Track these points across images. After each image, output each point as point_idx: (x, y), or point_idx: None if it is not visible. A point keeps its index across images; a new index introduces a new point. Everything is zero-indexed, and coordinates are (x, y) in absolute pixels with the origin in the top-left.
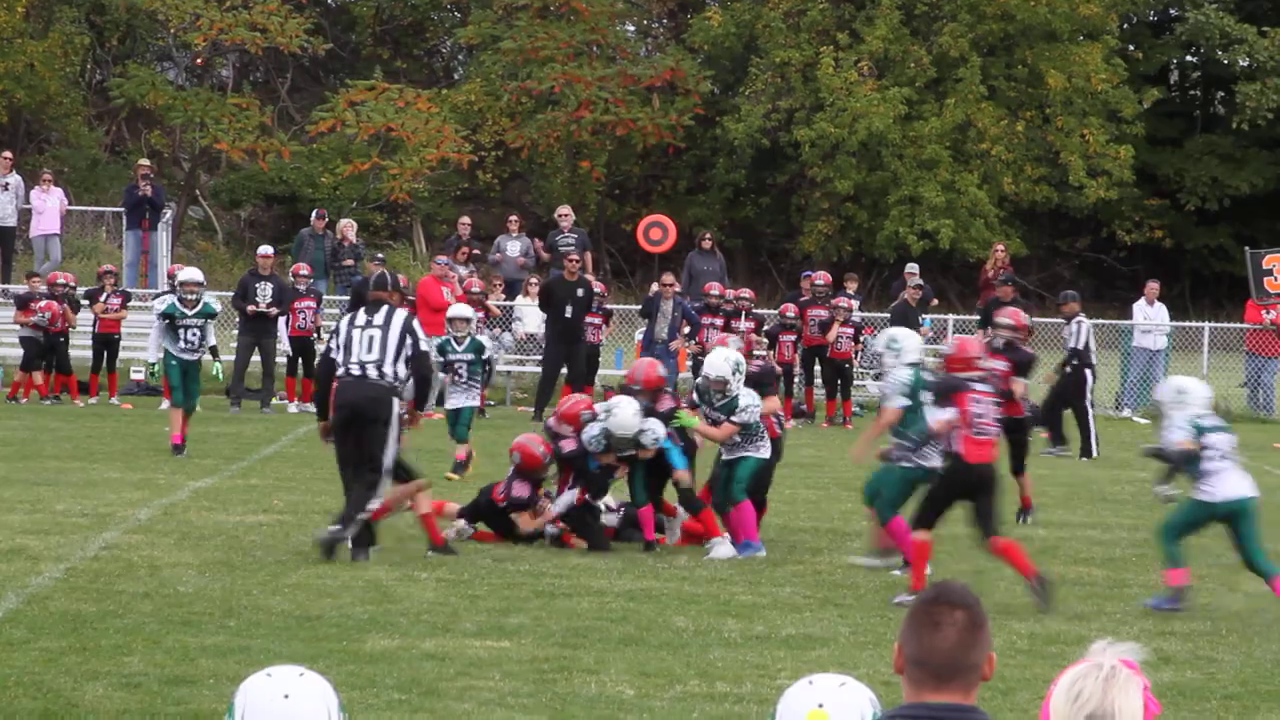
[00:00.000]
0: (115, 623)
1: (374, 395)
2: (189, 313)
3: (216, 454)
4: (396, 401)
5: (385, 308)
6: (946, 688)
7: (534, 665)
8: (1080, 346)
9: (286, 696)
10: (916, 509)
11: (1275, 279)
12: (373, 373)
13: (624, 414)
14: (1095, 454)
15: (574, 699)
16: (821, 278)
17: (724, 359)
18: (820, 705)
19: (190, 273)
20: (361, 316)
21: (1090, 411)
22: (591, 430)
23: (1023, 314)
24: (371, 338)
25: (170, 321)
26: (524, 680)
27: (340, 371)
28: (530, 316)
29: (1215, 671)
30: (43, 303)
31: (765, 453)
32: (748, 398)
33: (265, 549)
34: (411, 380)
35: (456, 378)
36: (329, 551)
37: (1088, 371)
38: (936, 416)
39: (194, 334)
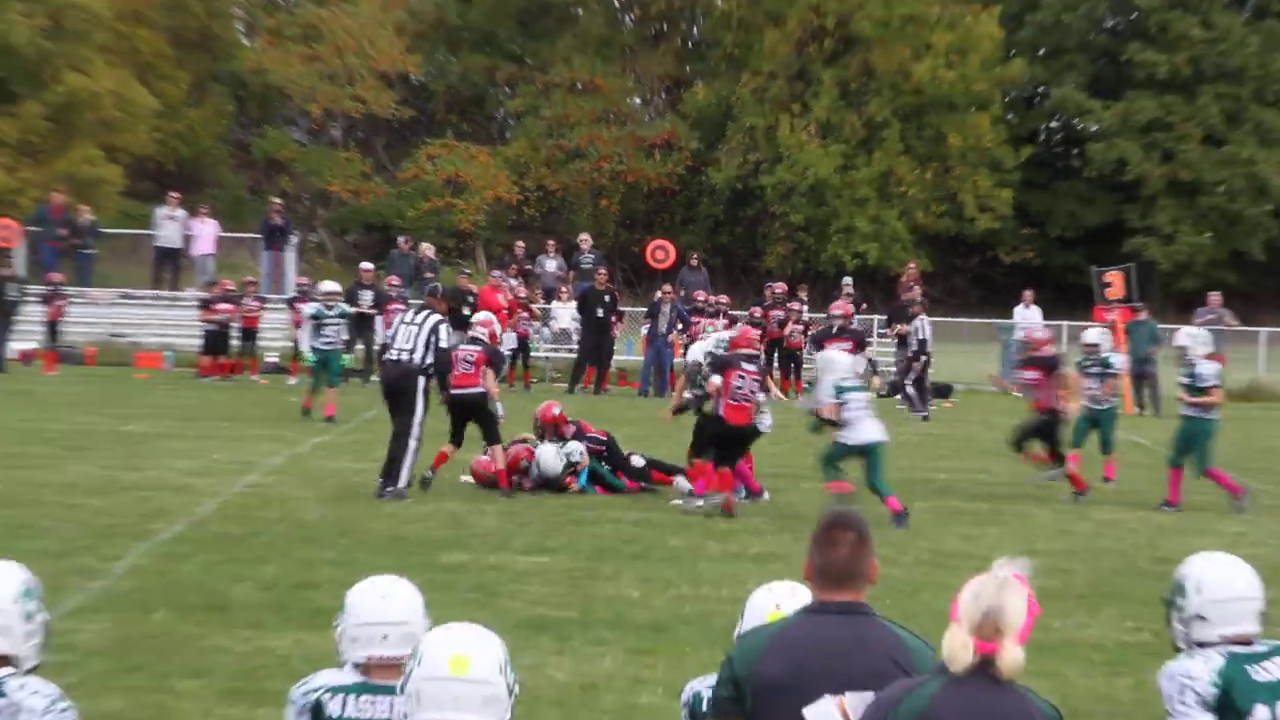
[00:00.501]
0: (256, 541)
1: (404, 374)
2: (330, 314)
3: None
4: (422, 379)
5: (425, 311)
6: (843, 589)
7: (567, 574)
8: (925, 338)
9: (384, 597)
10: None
11: (1112, 289)
12: (405, 357)
13: (548, 461)
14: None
15: (596, 599)
16: (780, 287)
17: (700, 349)
18: (777, 606)
19: (330, 285)
20: (409, 315)
21: (926, 383)
22: (534, 473)
23: (849, 306)
24: (411, 332)
25: (317, 322)
26: (560, 585)
27: (385, 355)
28: (563, 315)
29: (1070, 578)
30: (222, 305)
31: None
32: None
33: (367, 487)
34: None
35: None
36: (425, 485)
37: (925, 357)
38: (711, 380)
39: (333, 330)
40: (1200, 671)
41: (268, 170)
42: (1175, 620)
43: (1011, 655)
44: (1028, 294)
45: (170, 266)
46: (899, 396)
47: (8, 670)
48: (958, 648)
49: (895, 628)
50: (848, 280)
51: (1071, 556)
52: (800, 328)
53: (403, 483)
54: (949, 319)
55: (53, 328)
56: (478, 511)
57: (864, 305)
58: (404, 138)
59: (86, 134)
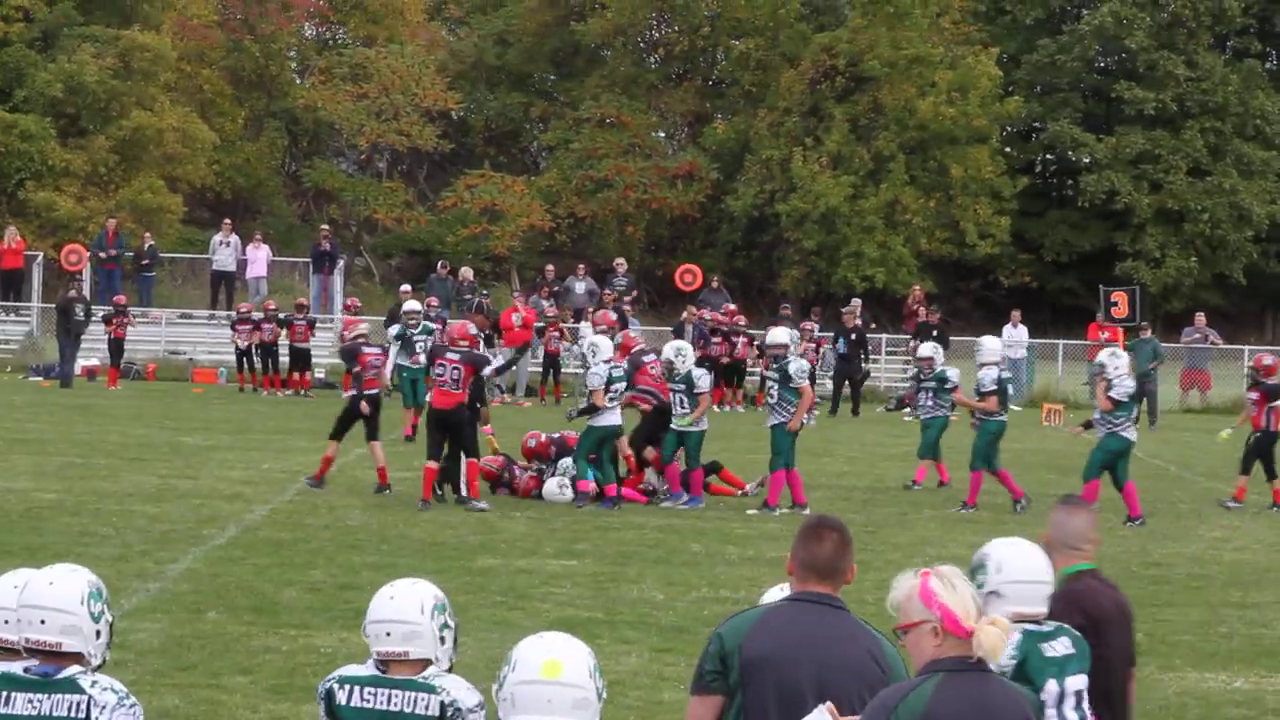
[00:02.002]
0: (303, 546)
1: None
2: (414, 333)
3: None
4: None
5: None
6: (824, 583)
7: (594, 578)
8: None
9: (392, 598)
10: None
11: (1118, 307)
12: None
13: (553, 494)
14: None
15: (621, 601)
16: (786, 310)
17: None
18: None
19: (411, 304)
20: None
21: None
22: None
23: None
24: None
25: (404, 341)
26: (586, 588)
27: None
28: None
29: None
30: (267, 325)
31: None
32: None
33: (408, 495)
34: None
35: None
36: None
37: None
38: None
39: (422, 346)
40: None
41: (317, 199)
42: None
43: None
44: (1015, 314)
45: (225, 289)
46: (906, 410)
47: (78, 668)
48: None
49: (870, 626)
50: (855, 302)
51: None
52: (812, 345)
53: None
54: (956, 338)
55: (116, 345)
56: (508, 518)
57: (873, 324)
58: (444, 169)
59: (150, 166)
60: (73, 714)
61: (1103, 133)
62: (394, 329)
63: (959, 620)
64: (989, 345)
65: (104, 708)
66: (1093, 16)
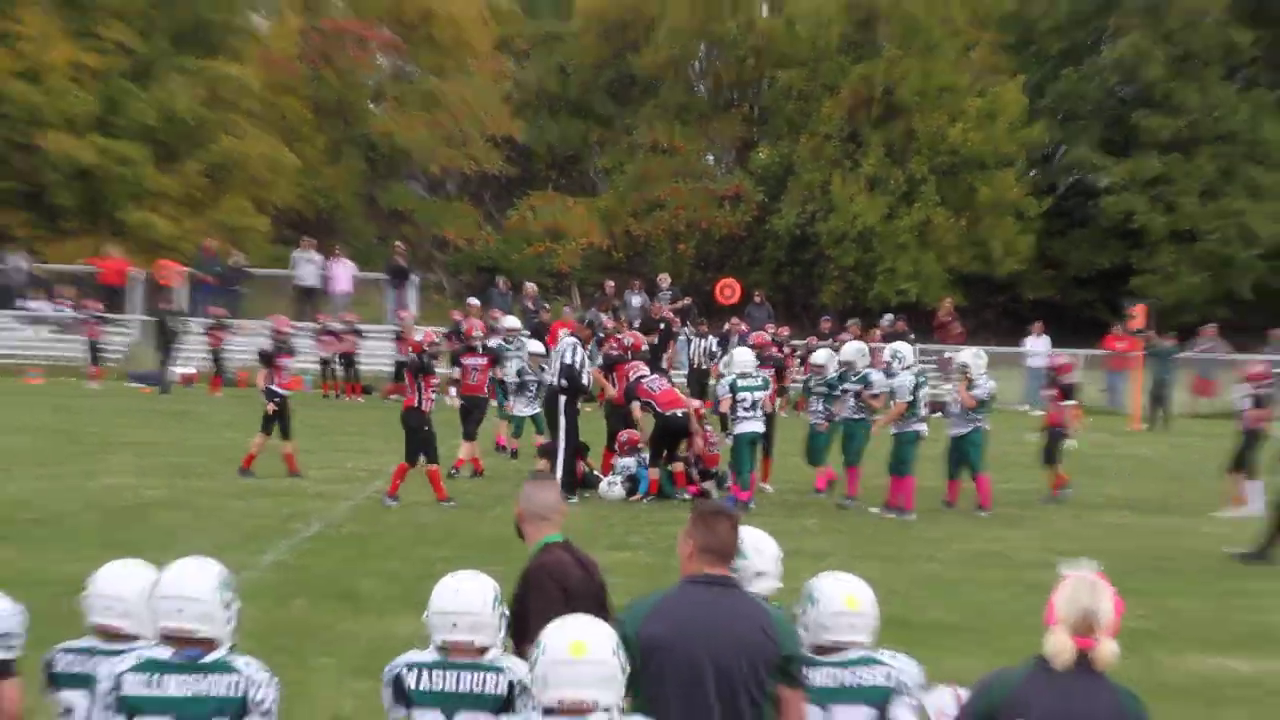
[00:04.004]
0: (381, 540)
1: (549, 396)
2: (512, 349)
3: (442, 437)
4: (562, 398)
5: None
6: (718, 565)
7: (646, 568)
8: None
9: (456, 591)
10: None
11: (1135, 320)
12: (548, 378)
13: (606, 493)
14: None
15: None
16: (824, 323)
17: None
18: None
19: (511, 321)
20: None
21: None
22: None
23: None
24: (552, 358)
25: (498, 355)
26: (639, 578)
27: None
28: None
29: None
30: (348, 336)
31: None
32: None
33: (477, 494)
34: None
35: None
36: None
37: None
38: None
39: (517, 362)
40: None
41: (392, 219)
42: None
43: (1107, 649)
44: (1037, 325)
45: (308, 303)
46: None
47: (221, 651)
48: (1061, 648)
49: (761, 601)
50: (889, 316)
51: (1085, 556)
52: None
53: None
54: (985, 347)
55: (215, 355)
56: (570, 514)
57: (912, 336)
58: (509, 191)
59: (238, 189)
60: (231, 692)
61: (1121, 157)
62: (492, 341)
63: None
64: (899, 349)
65: (258, 685)
66: (1112, 49)
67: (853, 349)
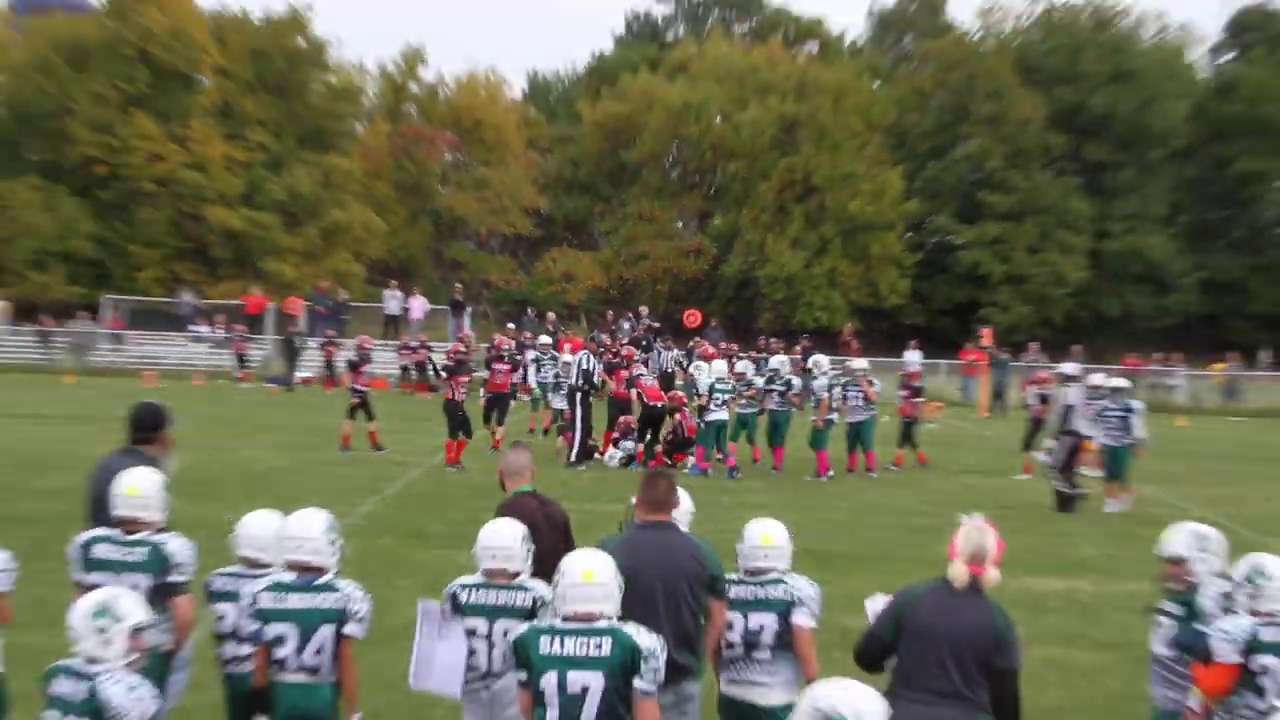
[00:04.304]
0: (444, 495)
1: (569, 393)
2: (544, 359)
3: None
4: (578, 394)
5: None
6: (659, 513)
7: None
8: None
9: (495, 531)
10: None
11: (984, 339)
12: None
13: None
14: None
15: None
16: (763, 340)
17: (704, 380)
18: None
19: (545, 339)
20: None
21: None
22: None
23: (710, 348)
24: (570, 366)
25: (538, 364)
26: None
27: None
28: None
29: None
30: (423, 350)
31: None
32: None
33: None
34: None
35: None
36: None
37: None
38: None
39: (550, 369)
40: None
41: (453, 267)
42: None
43: (992, 575)
44: (912, 342)
45: (393, 327)
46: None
47: (328, 575)
48: (959, 573)
49: (692, 537)
50: (805, 336)
51: (950, 504)
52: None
53: (573, 457)
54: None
55: (329, 364)
56: (578, 478)
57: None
58: (536, 247)
59: (343, 246)
60: (336, 605)
61: (971, 223)
62: (530, 354)
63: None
64: (775, 361)
65: (355, 600)
66: (965, 147)
67: (778, 361)
